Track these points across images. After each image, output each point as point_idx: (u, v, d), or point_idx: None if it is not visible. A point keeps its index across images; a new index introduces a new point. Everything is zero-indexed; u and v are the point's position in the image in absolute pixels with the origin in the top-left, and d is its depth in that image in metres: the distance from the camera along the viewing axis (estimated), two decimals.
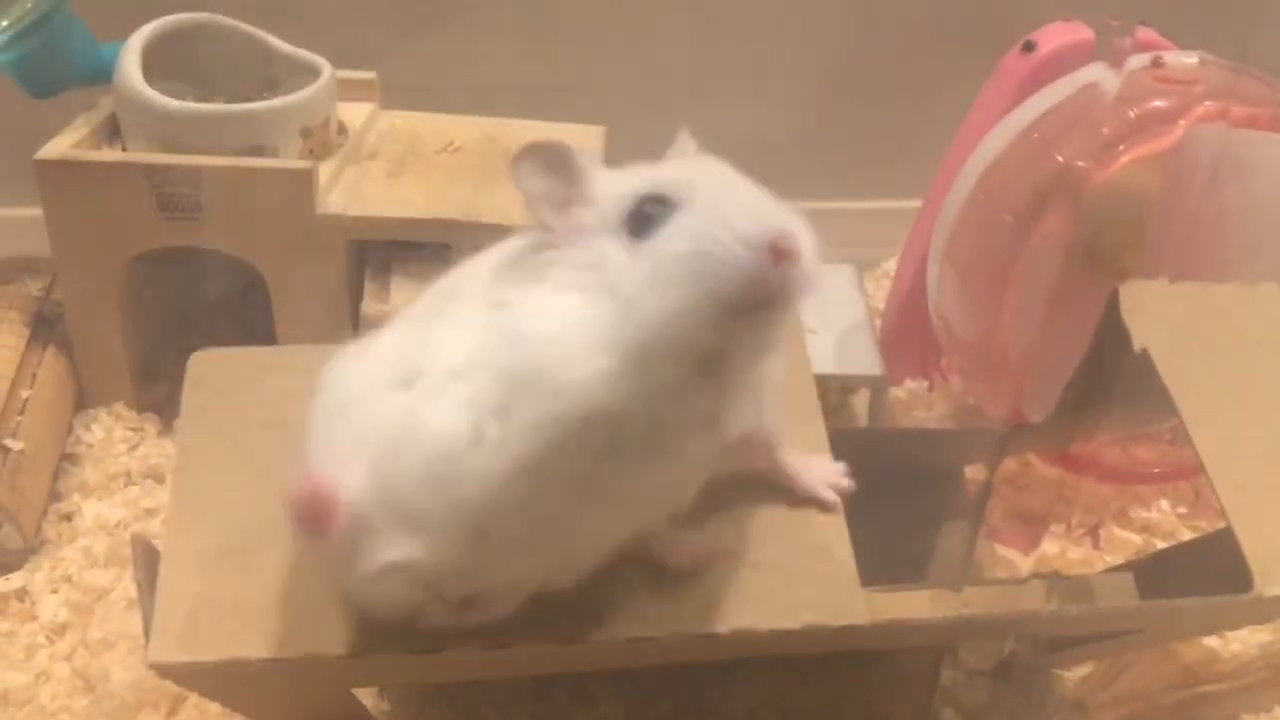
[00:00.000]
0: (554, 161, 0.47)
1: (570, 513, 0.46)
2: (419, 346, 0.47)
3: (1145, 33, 0.84)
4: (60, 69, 0.89)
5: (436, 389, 0.45)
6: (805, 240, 0.45)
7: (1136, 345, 0.64)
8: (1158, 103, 0.79)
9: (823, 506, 0.56)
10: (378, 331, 0.51)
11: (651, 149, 1.14)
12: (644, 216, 0.45)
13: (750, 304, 0.44)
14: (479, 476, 0.44)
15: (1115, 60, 0.82)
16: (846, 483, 0.57)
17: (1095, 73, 0.83)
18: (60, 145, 0.85)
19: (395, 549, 0.45)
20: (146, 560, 0.51)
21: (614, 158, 0.99)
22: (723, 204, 0.45)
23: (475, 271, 0.51)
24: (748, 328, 0.46)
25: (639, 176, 0.48)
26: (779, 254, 0.43)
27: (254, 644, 0.49)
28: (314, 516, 0.45)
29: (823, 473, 0.57)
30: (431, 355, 0.47)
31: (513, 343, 0.45)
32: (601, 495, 0.46)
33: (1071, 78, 0.85)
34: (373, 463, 0.45)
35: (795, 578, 0.53)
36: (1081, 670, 0.76)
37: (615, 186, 0.47)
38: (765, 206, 0.45)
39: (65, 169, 0.84)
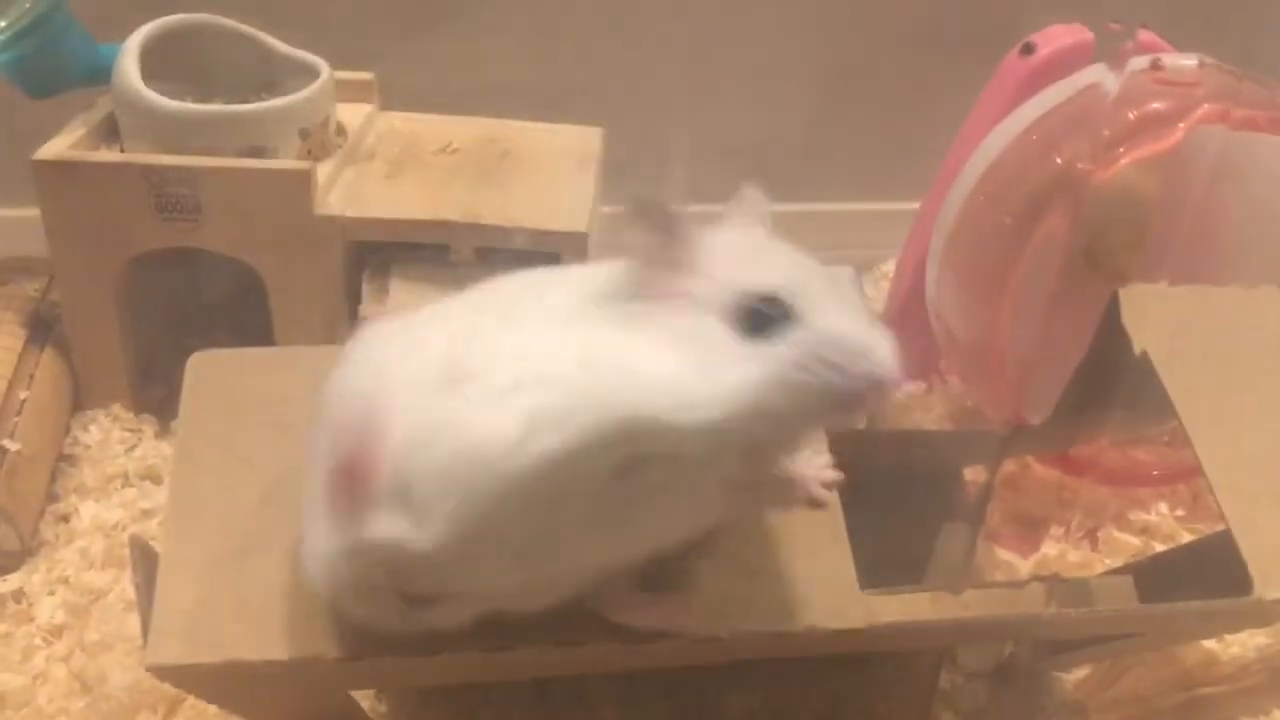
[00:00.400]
0: (663, 221, 0.47)
1: (571, 534, 0.47)
2: (472, 350, 0.47)
3: (1144, 35, 0.84)
4: (58, 69, 0.89)
5: (491, 395, 0.45)
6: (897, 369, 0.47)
7: (1136, 348, 0.64)
8: (1157, 105, 0.79)
9: (816, 504, 0.56)
10: (418, 316, 0.51)
11: (650, 150, 1.15)
12: (758, 315, 0.46)
13: (834, 421, 0.49)
14: (508, 478, 0.44)
15: (1117, 62, 0.82)
16: (833, 474, 0.57)
17: (1096, 74, 0.83)
18: (58, 146, 0.85)
19: (391, 527, 0.45)
20: (145, 562, 0.51)
21: (613, 158, 1.00)
22: (839, 328, 0.46)
23: (547, 285, 0.51)
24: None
25: (751, 264, 0.48)
26: (877, 389, 0.46)
27: (252, 646, 0.48)
28: (357, 476, 0.45)
29: (810, 471, 0.57)
30: (488, 359, 0.47)
31: (597, 369, 0.46)
32: (608, 520, 0.47)
33: (1071, 79, 0.85)
34: (399, 446, 0.45)
35: (794, 581, 0.53)
36: (1080, 673, 0.76)
37: (727, 267, 0.48)
38: (872, 334, 0.47)
39: (63, 169, 0.84)
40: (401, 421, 0.46)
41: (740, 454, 0.47)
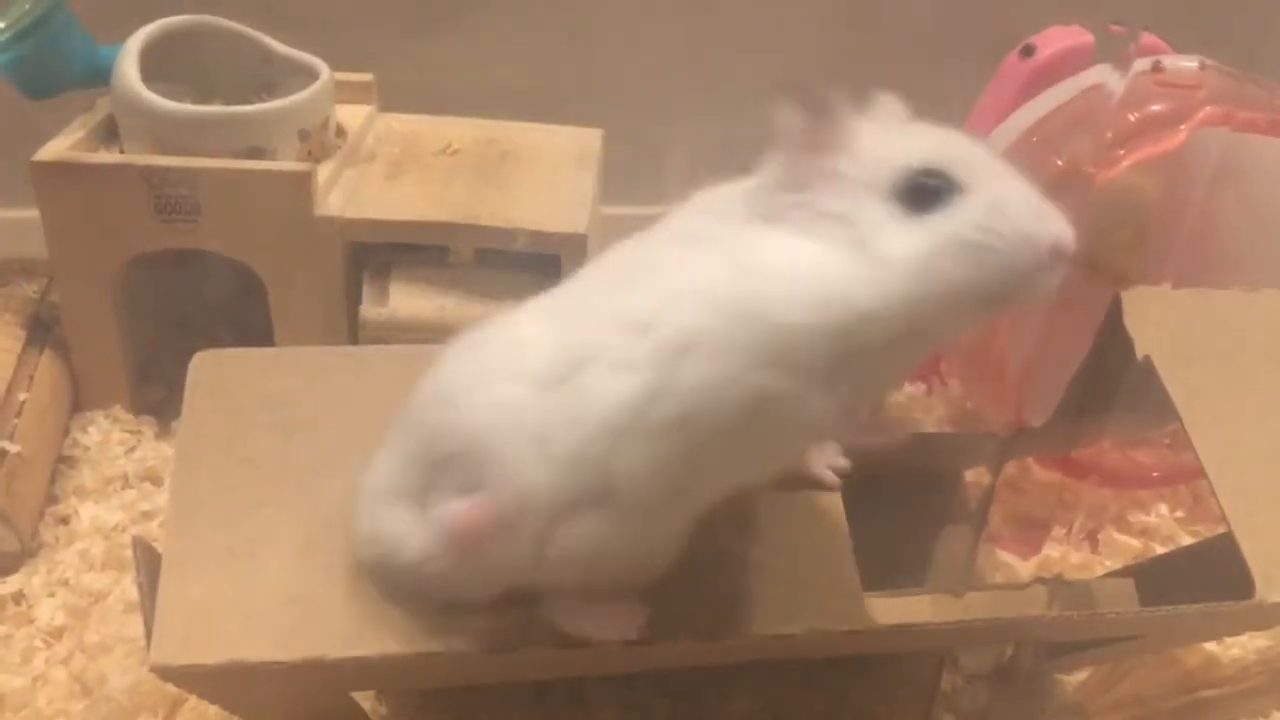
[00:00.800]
0: (818, 102, 0.45)
1: (715, 466, 0.46)
2: (584, 327, 0.46)
3: (1145, 37, 0.84)
4: (58, 71, 0.89)
5: (614, 356, 0.44)
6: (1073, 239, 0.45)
7: (1139, 351, 0.64)
8: (1158, 107, 0.79)
9: (823, 486, 0.56)
10: (484, 336, 0.50)
11: (650, 152, 1.15)
12: (921, 188, 0.44)
13: (1014, 299, 0.45)
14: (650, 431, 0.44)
15: (1122, 63, 0.82)
16: (843, 462, 0.56)
17: (1099, 75, 0.83)
18: (57, 147, 0.85)
19: (586, 526, 0.45)
20: (148, 563, 0.51)
21: (612, 161, 1.00)
22: (1007, 195, 0.44)
23: (654, 233, 0.49)
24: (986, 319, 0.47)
25: (907, 141, 0.46)
26: (1057, 255, 0.44)
27: (255, 647, 0.48)
28: (471, 541, 0.45)
29: (819, 454, 0.57)
30: (608, 321, 0.45)
31: (743, 273, 0.44)
32: (745, 451, 0.46)
33: (1073, 81, 0.85)
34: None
35: (796, 582, 0.53)
36: (1081, 675, 0.76)
37: (881, 146, 0.46)
38: (1043, 202, 0.45)
39: (62, 171, 0.84)
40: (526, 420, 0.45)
41: (908, 348, 0.45)
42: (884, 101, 0.50)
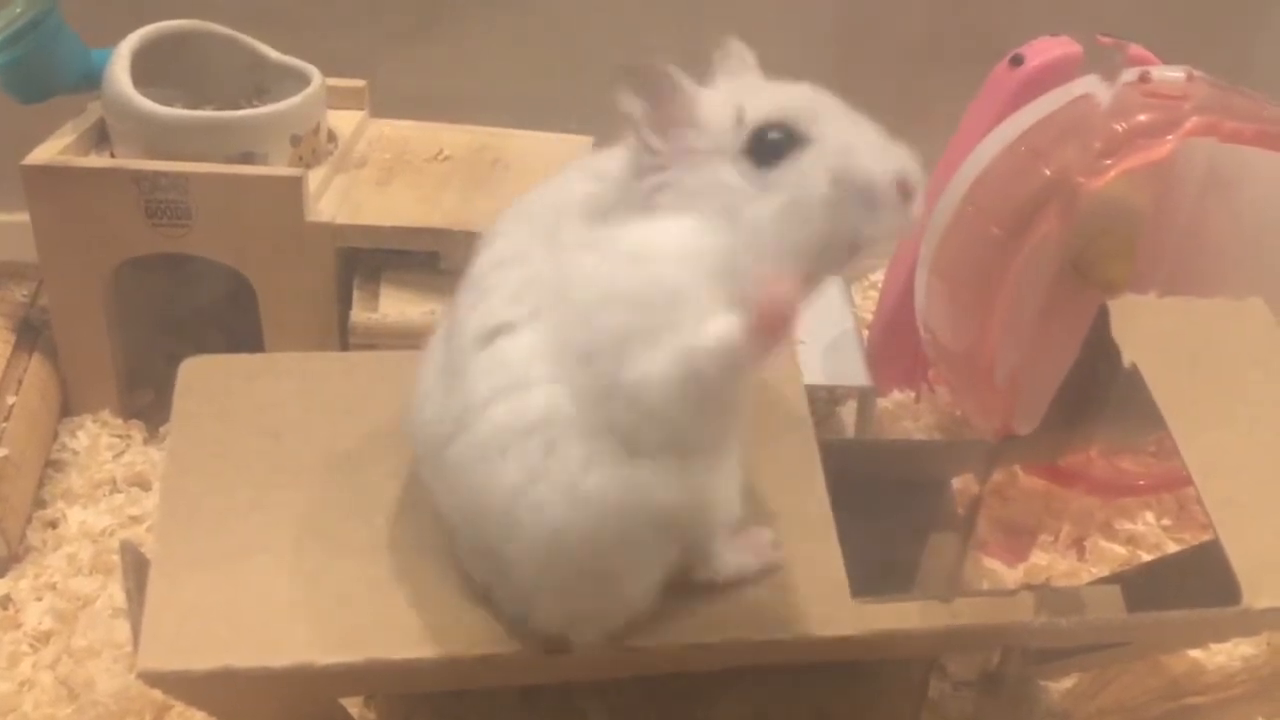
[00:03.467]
0: (655, 81, 0.46)
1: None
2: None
3: (1132, 48, 0.85)
4: (49, 75, 0.89)
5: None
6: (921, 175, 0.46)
7: (1126, 360, 0.65)
8: (1146, 117, 0.80)
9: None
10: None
11: None
12: (769, 144, 0.45)
13: (870, 239, 0.46)
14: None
15: (1110, 74, 0.82)
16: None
17: (1088, 85, 0.84)
18: (48, 151, 0.85)
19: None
20: (136, 568, 0.51)
21: None
22: (850, 139, 0.45)
23: (537, 219, 0.50)
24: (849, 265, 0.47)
25: (748, 99, 0.47)
26: (905, 192, 0.45)
27: (243, 653, 0.48)
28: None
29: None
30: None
31: (633, 263, 0.45)
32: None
33: (1061, 90, 0.85)
34: None
35: (785, 588, 0.53)
36: (1068, 682, 0.77)
37: (723, 108, 0.46)
38: (887, 141, 0.46)
39: (52, 175, 0.84)
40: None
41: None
42: (733, 49, 0.52)
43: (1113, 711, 0.74)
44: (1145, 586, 0.70)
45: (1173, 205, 0.81)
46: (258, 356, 0.59)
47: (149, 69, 0.89)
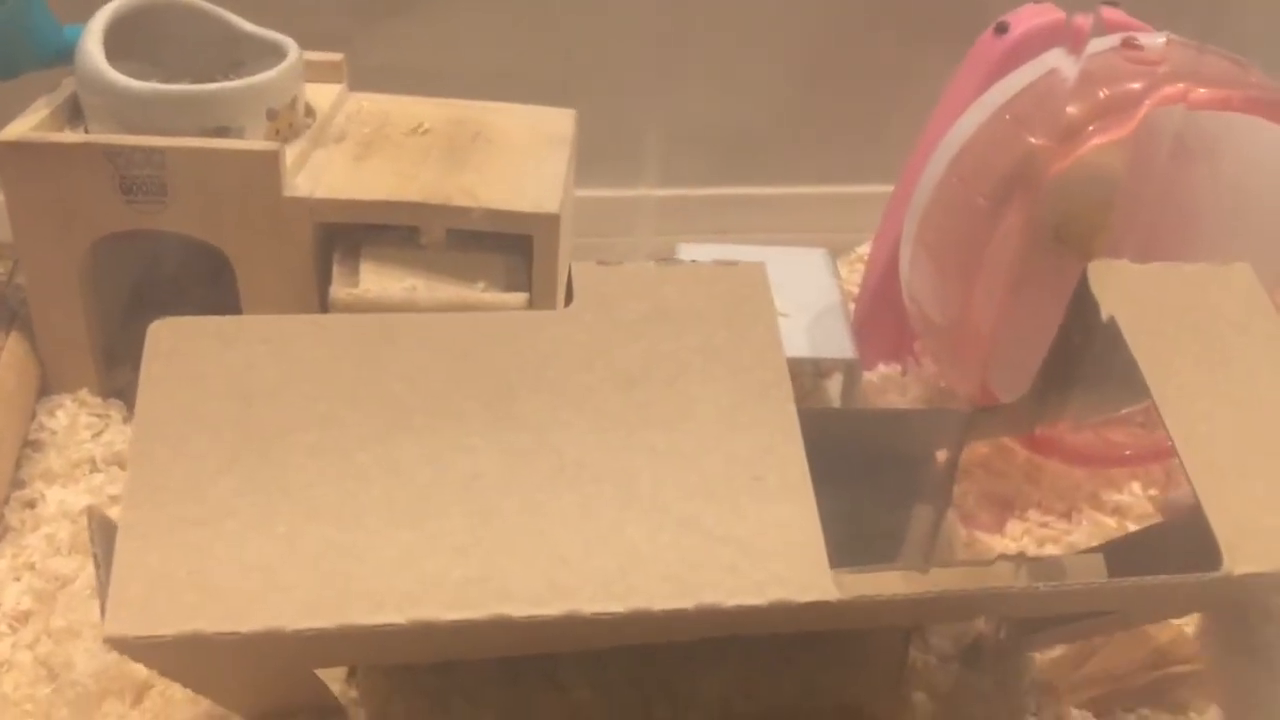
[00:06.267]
0: None
1: None
2: None
3: (1112, 13, 0.84)
4: (20, 50, 0.88)
5: None
6: None
7: (1104, 316, 0.64)
8: (1125, 83, 0.79)
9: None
10: None
11: (623, 133, 1.14)
12: None
13: None
14: None
15: (1074, 44, 0.81)
16: None
17: (1055, 58, 0.83)
18: (20, 127, 0.84)
19: None
20: (103, 534, 0.50)
21: (586, 142, 0.99)
22: None
23: None
24: None
25: None
26: None
27: (213, 618, 0.48)
28: None
29: None
30: None
31: None
32: None
33: (1042, 59, 0.85)
34: None
35: (762, 554, 0.53)
36: (1053, 654, 0.76)
37: None
38: None
39: (25, 151, 0.83)
40: None
41: None
42: None
43: (1097, 681, 0.74)
44: (1128, 557, 0.70)
45: (1145, 172, 0.80)
46: (228, 319, 0.58)
47: (123, 43, 0.87)
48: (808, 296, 1.00)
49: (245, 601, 0.48)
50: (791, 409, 0.58)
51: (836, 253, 1.13)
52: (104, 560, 0.49)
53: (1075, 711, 0.73)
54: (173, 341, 0.56)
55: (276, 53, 0.91)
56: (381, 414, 0.54)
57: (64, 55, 0.87)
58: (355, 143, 0.94)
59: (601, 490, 0.54)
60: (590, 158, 1.02)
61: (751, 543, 0.53)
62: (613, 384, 0.57)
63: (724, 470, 0.55)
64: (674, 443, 0.56)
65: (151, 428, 0.53)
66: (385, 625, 0.48)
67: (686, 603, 0.51)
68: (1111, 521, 0.89)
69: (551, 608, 0.50)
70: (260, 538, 0.50)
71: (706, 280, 0.62)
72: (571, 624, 0.51)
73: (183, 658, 0.51)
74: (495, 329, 0.58)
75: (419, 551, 0.51)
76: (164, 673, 0.58)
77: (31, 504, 0.85)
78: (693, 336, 0.59)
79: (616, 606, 0.50)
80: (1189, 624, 0.77)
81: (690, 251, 1.01)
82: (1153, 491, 0.91)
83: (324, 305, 0.87)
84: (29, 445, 0.89)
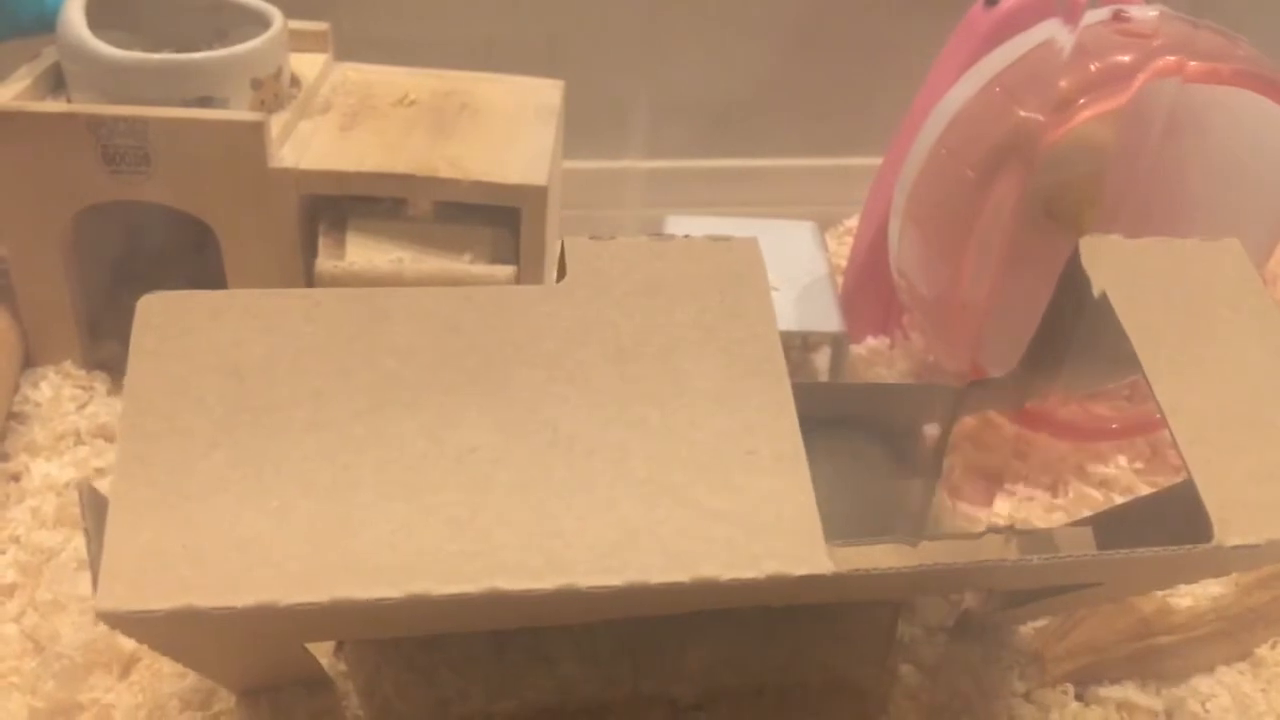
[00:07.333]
0: None
1: None
2: None
3: None
4: (1, 18, 0.87)
5: None
6: None
7: (1095, 291, 0.64)
8: (1117, 56, 0.79)
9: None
10: None
11: (611, 104, 1.14)
12: None
13: None
14: None
15: (1069, 15, 0.81)
16: None
17: (1051, 29, 0.83)
18: (1, 96, 0.83)
19: None
20: (94, 508, 0.50)
21: (574, 112, 0.99)
22: None
23: None
24: None
25: None
26: None
27: (205, 593, 0.47)
28: None
29: None
30: None
31: None
32: None
33: (1033, 31, 0.84)
34: None
35: (757, 527, 0.53)
36: (1036, 624, 0.77)
37: None
38: None
39: (6, 121, 0.82)
40: None
41: None
42: None
43: (1081, 651, 0.74)
44: (1117, 529, 0.70)
45: (1138, 146, 0.80)
46: (219, 293, 0.58)
47: (105, 12, 0.86)
48: (795, 269, 1.00)
49: (238, 576, 0.48)
50: (785, 384, 0.57)
51: (824, 225, 1.13)
52: (95, 534, 0.49)
53: (1057, 686, 0.74)
54: (163, 315, 0.56)
55: (261, 21, 0.90)
56: (374, 388, 0.54)
57: (46, 23, 0.86)
58: (341, 113, 0.93)
59: (595, 464, 0.53)
60: (578, 129, 1.01)
61: (746, 516, 0.53)
62: (606, 358, 0.57)
63: (718, 444, 0.55)
64: (668, 417, 0.55)
65: (142, 401, 0.53)
66: (379, 599, 0.48)
67: (683, 576, 0.51)
68: (1098, 494, 0.89)
69: (547, 581, 0.50)
70: (253, 512, 0.50)
71: (700, 256, 0.61)
72: (567, 598, 0.51)
73: (174, 632, 0.51)
74: (488, 303, 0.58)
75: (413, 525, 0.50)
76: (154, 647, 0.58)
77: (16, 477, 0.84)
78: (686, 311, 0.59)
79: (613, 580, 0.50)
80: (1172, 595, 0.78)
81: (679, 223, 1.00)
82: (1139, 465, 0.92)
83: (309, 278, 0.86)
84: (13, 418, 0.88)
